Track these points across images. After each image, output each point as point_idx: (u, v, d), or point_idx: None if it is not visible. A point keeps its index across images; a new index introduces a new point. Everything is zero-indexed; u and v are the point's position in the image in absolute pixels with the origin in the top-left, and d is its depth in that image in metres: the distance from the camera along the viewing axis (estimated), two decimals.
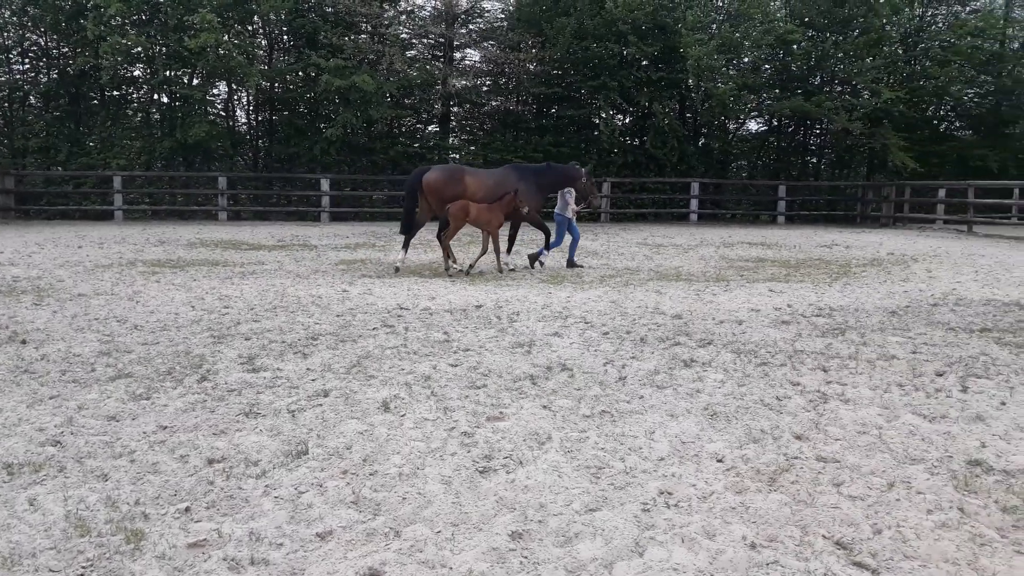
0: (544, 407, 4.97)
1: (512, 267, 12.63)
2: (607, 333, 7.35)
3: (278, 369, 5.84)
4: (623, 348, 6.71)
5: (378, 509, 3.49)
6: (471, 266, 12.05)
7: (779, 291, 10.29)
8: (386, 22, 26.50)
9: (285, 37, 28.25)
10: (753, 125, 31.86)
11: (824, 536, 3.25)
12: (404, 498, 3.59)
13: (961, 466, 4.06)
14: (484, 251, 12.28)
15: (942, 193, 24.27)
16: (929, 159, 27.99)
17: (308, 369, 5.86)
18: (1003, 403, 5.18)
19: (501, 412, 4.85)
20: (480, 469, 3.94)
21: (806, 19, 27.52)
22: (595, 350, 6.62)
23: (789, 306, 9.02)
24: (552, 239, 13.02)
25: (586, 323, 7.86)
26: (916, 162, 26.17)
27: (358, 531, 3.28)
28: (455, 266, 12.07)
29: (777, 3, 28.38)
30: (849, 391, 5.41)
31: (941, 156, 28.55)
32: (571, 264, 12.96)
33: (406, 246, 12.45)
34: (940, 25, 29.49)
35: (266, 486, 3.71)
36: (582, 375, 5.78)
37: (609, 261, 13.98)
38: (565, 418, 4.76)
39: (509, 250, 13.27)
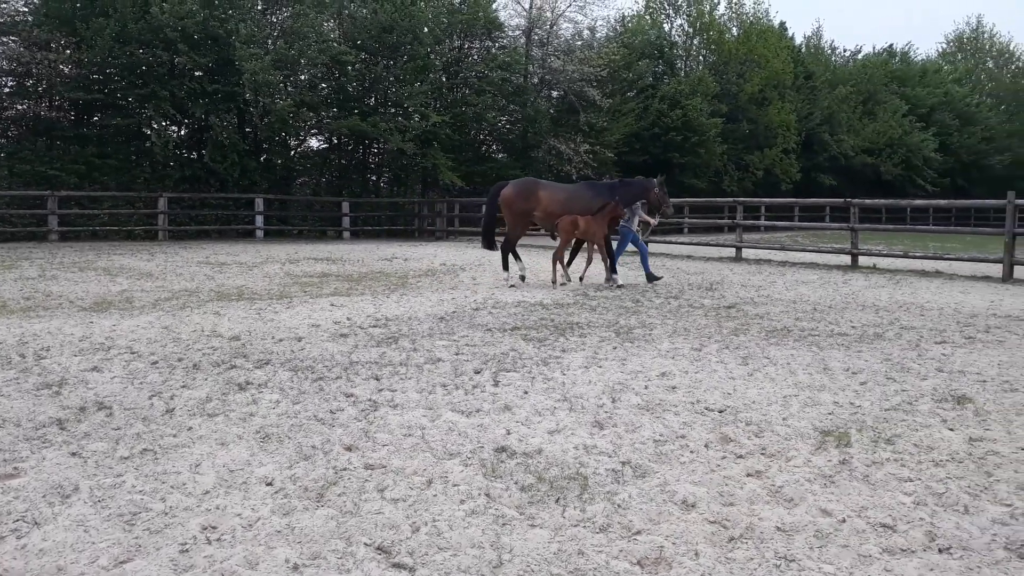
0: (73, 454, 4.41)
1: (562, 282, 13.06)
2: (156, 363, 6.81)
3: None
4: (173, 377, 6.27)
5: None
6: (581, 277, 13.15)
7: (340, 305, 10.54)
8: None
9: None
10: (315, 142, 32.36)
11: (366, 543, 3.36)
12: None
13: (490, 454, 4.51)
14: (590, 261, 13.33)
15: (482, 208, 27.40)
16: (473, 177, 31.23)
17: None
18: (526, 392, 5.91)
19: (16, 468, 4.18)
20: None
21: (359, 42, 28.72)
22: (140, 383, 6.08)
23: (348, 319, 9.28)
24: (614, 249, 13.22)
25: (132, 353, 7.20)
26: (462, 180, 28.99)
27: None
28: (561, 279, 12.93)
29: (330, 24, 29.17)
30: (399, 396, 5.72)
31: (483, 175, 31.98)
32: (651, 278, 13.23)
33: (505, 259, 13.14)
34: (476, 57, 33.03)
35: None
36: (123, 412, 5.25)
37: (166, 283, 13.02)
38: (98, 463, 4.27)
39: (569, 263, 13.53)
